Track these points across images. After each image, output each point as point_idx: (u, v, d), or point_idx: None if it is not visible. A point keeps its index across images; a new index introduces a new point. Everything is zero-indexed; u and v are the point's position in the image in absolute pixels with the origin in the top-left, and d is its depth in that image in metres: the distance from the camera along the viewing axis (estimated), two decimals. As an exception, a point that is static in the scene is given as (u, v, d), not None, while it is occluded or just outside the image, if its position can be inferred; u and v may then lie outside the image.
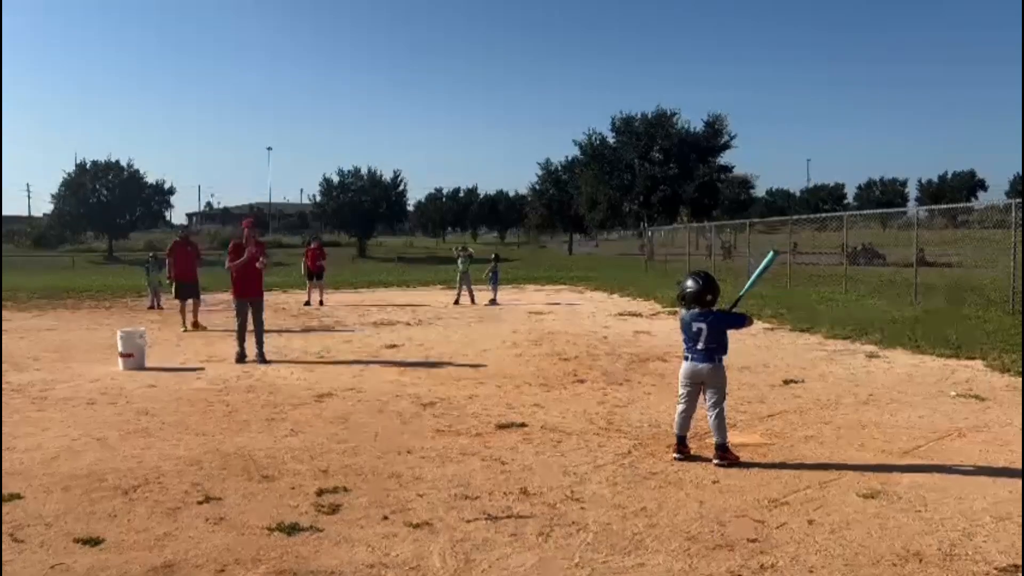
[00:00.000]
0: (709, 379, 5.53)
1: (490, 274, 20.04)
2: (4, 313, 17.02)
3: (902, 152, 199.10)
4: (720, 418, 5.45)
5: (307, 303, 18.88)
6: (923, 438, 6.02)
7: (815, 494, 4.74)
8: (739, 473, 5.17)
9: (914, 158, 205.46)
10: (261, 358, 10.09)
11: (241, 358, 10.09)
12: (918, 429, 6.31)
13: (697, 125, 56.66)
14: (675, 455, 5.54)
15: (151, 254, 20.08)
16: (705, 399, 5.55)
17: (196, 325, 14.01)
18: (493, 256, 21.34)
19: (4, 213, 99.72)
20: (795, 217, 26.76)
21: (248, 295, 10.36)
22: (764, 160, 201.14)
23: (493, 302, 18.91)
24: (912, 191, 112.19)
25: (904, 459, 5.49)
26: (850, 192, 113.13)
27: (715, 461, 5.36)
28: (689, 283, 5.60)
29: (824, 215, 35.03)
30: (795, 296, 18.55)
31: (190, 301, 14.15)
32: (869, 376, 8.70)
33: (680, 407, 5.61)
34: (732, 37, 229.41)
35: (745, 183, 70.46)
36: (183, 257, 14.34)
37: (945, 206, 23.03)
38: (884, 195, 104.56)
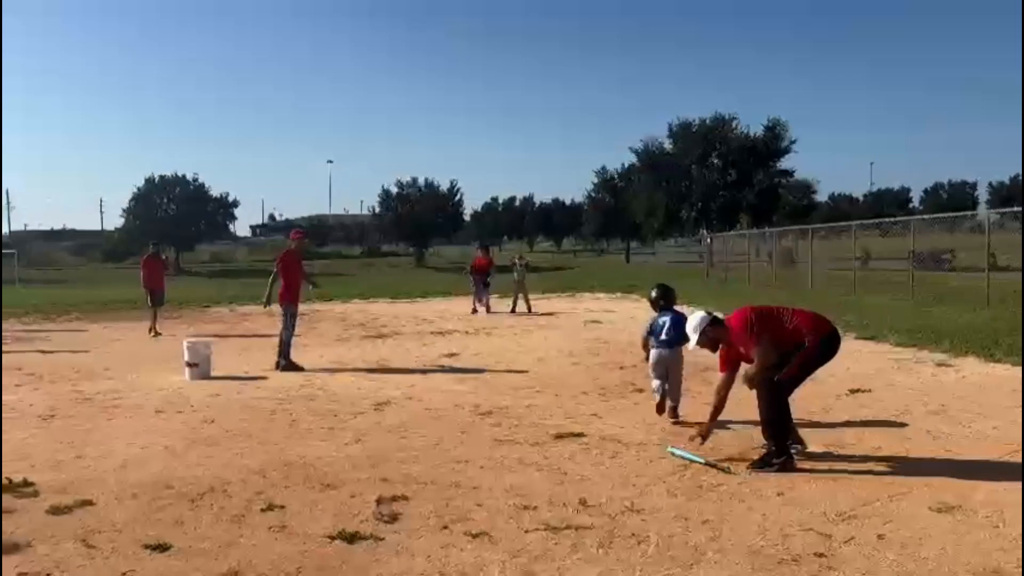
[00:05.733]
0: (678, 362, 7.17)
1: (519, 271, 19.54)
2: (77, 324, 17.65)
3: (970, 153, 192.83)
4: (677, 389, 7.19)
5: (474, 311, 19.02)
6: (998, 450, 5.79)
7: (885, 508, 4.59)
8: (804, 485, 5.04)
9: (983, 159, 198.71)
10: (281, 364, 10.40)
11: (292, 366, 10.31)
12: (993, 441, 6.07)
13: (756, 130, 55.91)
14: (671, 419, 7.02)
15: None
16: (672, 379, 7.13)
17: (155, 332, 15.12)
18: (518, 257, 20.65)
19: (79, 227, 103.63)
20: (859, 222, 26.14)
21: (297, 302, 10.86)
22: (825, 164, 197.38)
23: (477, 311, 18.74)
24: (982, 194, 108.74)
25: (979, 472, 5.27)
26: (916, 196, 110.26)
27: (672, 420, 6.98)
28: (653, 293, 7.69)
29: (889, 219, 34.17)
30: (860, 303, 18.08)
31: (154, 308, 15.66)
32: (940, 385, 8.42)
33: (654, 384, 7.20)
34: (792, 41, 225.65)
35: (807, 188, 69.08)
36: (153, 269, 16.07)
37: (1017, 208, 22.21)
38: (952, 199, 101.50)
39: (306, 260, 12.01)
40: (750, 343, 5.50)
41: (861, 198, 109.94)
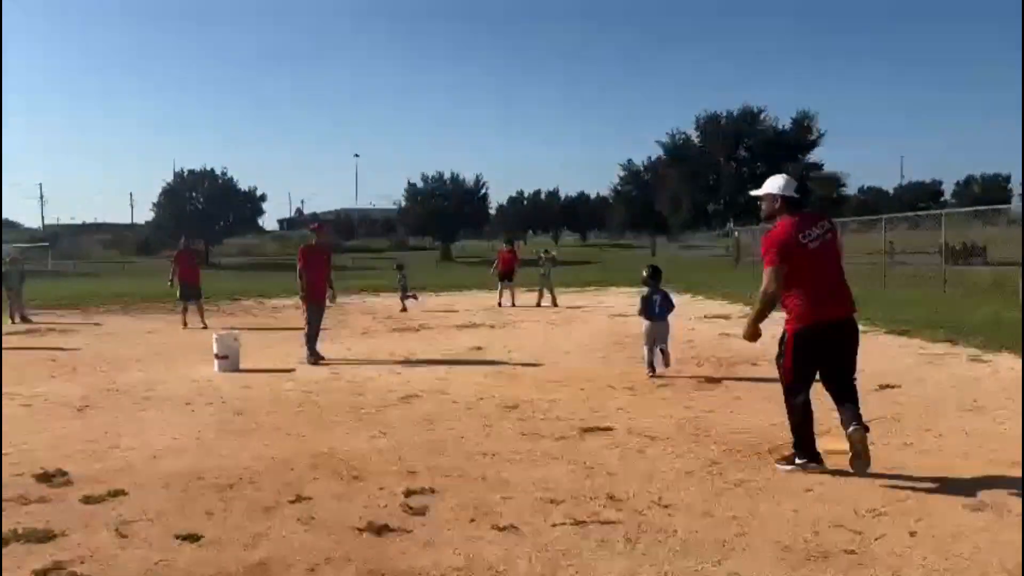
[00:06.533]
0: (666, 331, 9.12)
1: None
2: (111, 317, 17.91)
3: (1004, 145, 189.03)
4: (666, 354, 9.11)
5: (499, 304, 19.07)
6: (1034, 447, 5.69)
7: (916, 505, 4.53)
8: (834, 481, 4.99)
9: (1017, 151, 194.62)
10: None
11: (318, 359, 10.43)
12: (1028, 438, 5.96)
13: (785, 122, 55.33)
14: (648, 373, 8.90)
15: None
16: (661, 344, 9.06)
17: (204, 325, 15.34)
18: (544, 252, 20.69)
19: (110, 221, 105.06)
20: (888, 216, 25.80)
21: (320, 299, 10.86)
22: (855, 157, 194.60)
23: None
24: (1016, 186, 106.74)
25: (1013, 470, 5.18)
26: (948, 189, 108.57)
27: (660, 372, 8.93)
28: (644, 272, 9.41)
29: (920, 213, 33.66)
30: (891, 298, 17.86)
31: (192, 302, 15.86)
32: (973, 381, 8.29)
33: (645, 349, 9.08)
34: (821, 33, 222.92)
35: (836, 181, 68.21)
36: (186, 263, 16.15)
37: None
38: (985, 192, 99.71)
39: (334, 254, 12.10)
40: (764, 259, 5.12)
41: (891, 191, 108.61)
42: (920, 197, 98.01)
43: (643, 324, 9.17)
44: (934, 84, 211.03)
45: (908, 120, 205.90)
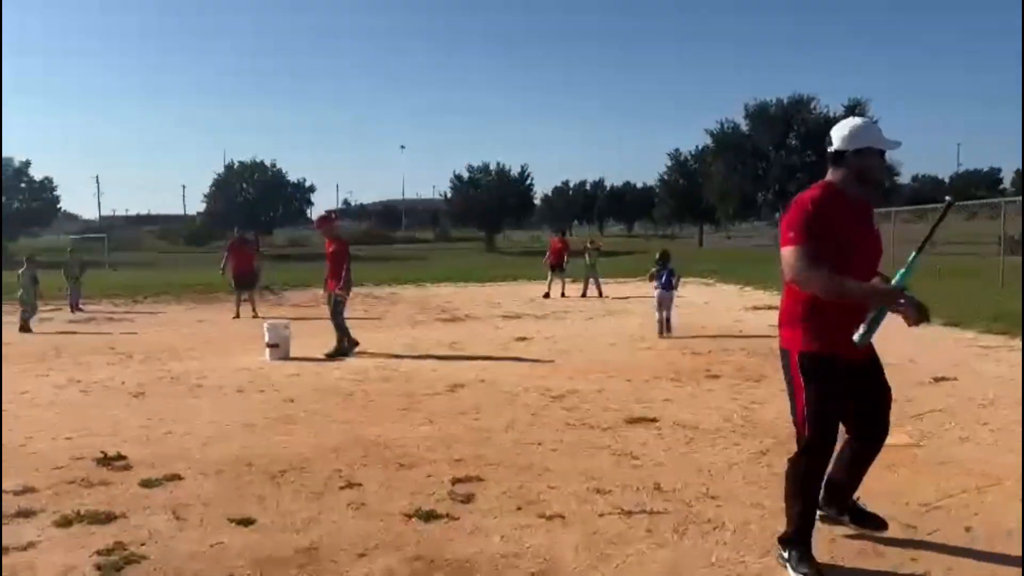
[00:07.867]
0: (669, 300, 11.75)
1: None
2: (165, 306, 18.34)
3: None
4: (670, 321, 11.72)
5: (547, 295, 19.11)
6: (1096, 443, 5.52)
7: (972, 500, 4.44)
8: (886, 475, 4.90)
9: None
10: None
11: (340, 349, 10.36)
12: (1090, 433, 5.79)
13: (837, 110, 54.22)
14: (659, 333, 11.57)
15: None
16: (666, 310, 11.69)
17: (255, 314, 15.44)
18: (589, 242, 20.73)
19: (162, 212, 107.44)
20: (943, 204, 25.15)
21: (327, 290, 10.84)
22: (909, 145, 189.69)
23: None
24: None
25: (1074, 465, 5.05)
26: (1007, 177, 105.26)
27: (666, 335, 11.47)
28: (657, 255, 12.23)
29: (976, 202, 32.78)
30: (945, 289, 17.42)
31: (244, 291, 16.00)
32: (1031, 375, 8.07)
33: (657, 314, 11.73)
34: (874, 17, 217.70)
35: (889, 169, 66.75)
36: (239, 254, 16.36)
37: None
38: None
39: (380, 245, 12.17)
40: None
41: (947, 180, 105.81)
42: (977, 185, 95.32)
43: (654, 294, 11.90)
44: (993, 68, 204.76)
45: (965, 106, 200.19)
